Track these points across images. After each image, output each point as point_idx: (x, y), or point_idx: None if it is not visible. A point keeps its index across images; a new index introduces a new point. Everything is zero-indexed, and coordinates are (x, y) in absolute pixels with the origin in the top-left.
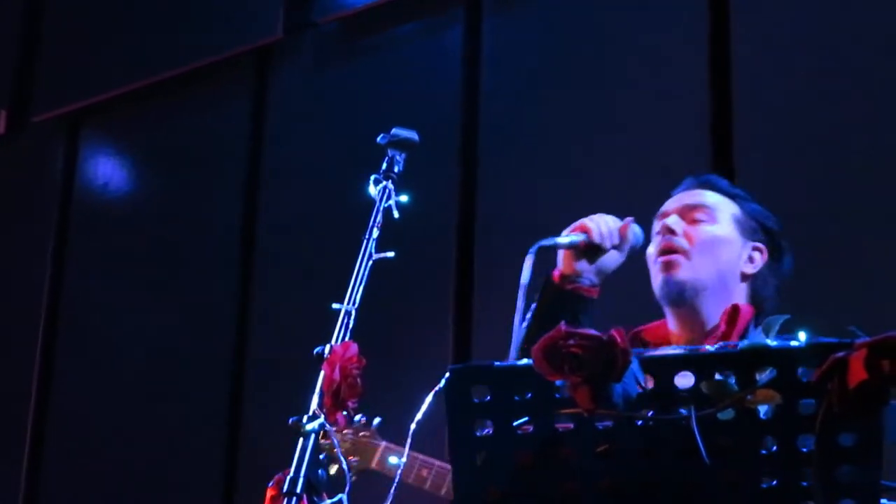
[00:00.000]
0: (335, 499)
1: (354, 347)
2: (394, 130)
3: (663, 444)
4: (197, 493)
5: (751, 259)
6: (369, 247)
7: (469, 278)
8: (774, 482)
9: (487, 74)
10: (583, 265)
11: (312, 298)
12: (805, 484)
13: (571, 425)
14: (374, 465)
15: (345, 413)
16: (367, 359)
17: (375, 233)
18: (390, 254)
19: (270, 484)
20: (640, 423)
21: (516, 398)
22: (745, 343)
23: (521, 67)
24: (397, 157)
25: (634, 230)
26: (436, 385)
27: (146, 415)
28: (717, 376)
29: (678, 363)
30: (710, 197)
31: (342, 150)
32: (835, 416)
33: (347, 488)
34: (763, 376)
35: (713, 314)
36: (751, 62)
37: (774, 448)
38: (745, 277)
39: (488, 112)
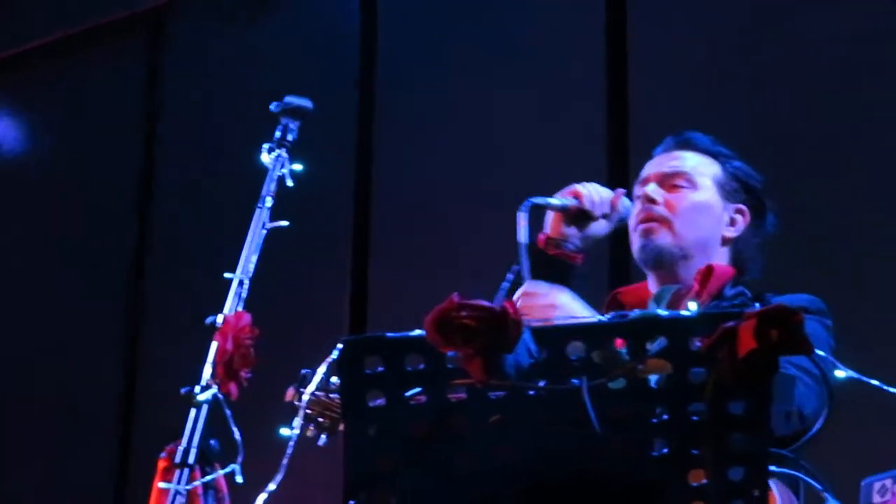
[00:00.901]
0: (228, 469)
1: (247, 317)
2: (286, 98)
3: (555, 415)
4: (91, 463)
5: (732, 222)
6: (263, 216)
7: (365, 248)
8: (665, 450)
9: (385, 40)
10: (570, 230)
11: (207, 267)
12: (695, 452)
13: (464, 396)
14: (342, 427)
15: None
16: (261, 329)
17: (269, 202)
18: (284, 223)
19: (162, 455)
20: (532, 393)
21: (409, 369)
22: (637, 313)
23: (420, 33)
24: (291, 126)
25: (625, 202)
26: (330, 356)
27: (38, 382)
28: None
29: (570, 333)
30: (691, 160)
31: (237, 114)
32: (724, 384)
33: (240, 458)
34: (654, 346)
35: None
36: (646, 16)
37: (665, 417)
38: (726, 241)
39: (385, 78)
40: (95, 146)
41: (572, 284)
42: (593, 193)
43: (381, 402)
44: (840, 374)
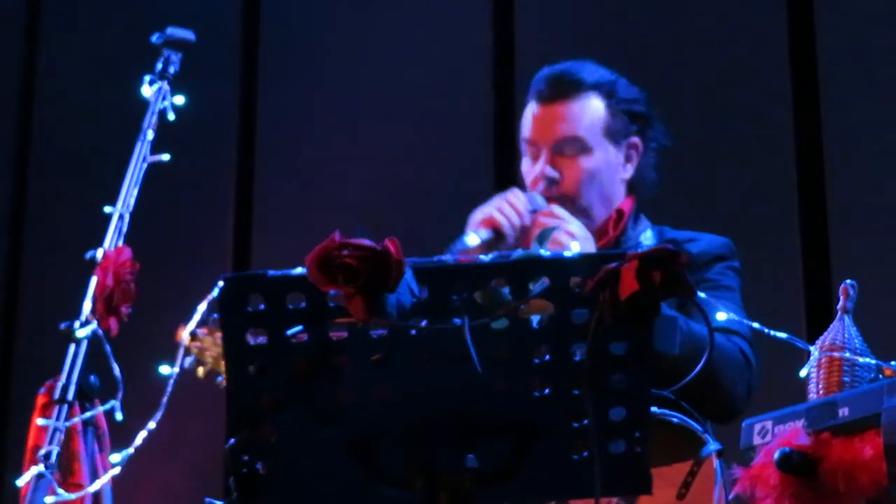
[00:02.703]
0: (107, 405)
1: (128, 252)
2: (169, 30)
3: (437, 354)
4: None
5: (628, 159)
6: (143, 149)
7: (249, 183)
8: (547, 390)
9: None
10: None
11: (88, 201)
12: (577, 392)
13: (345, 334)
14: None
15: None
16: (142, 264)
17: (150, 135)
18: (165, 156)
19: (41, 391)
20: (414, 332)
21: (290, 307)
22: (520, 252)
23: None
24: (173, 58)
25: (546, 220)
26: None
27: None
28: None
29: (451, 273)
30: (577, 115)
31: (119, 46)
32: (606, 325)
33: (120, 394)
34: (536, 286)
35: (599, 216)
36: None
37: (547, 357)
38: (625, 181)
39: (270, 8)
40: None
41: None
42: (511, 218)
43: (262, 339)
44: (721, 316)
